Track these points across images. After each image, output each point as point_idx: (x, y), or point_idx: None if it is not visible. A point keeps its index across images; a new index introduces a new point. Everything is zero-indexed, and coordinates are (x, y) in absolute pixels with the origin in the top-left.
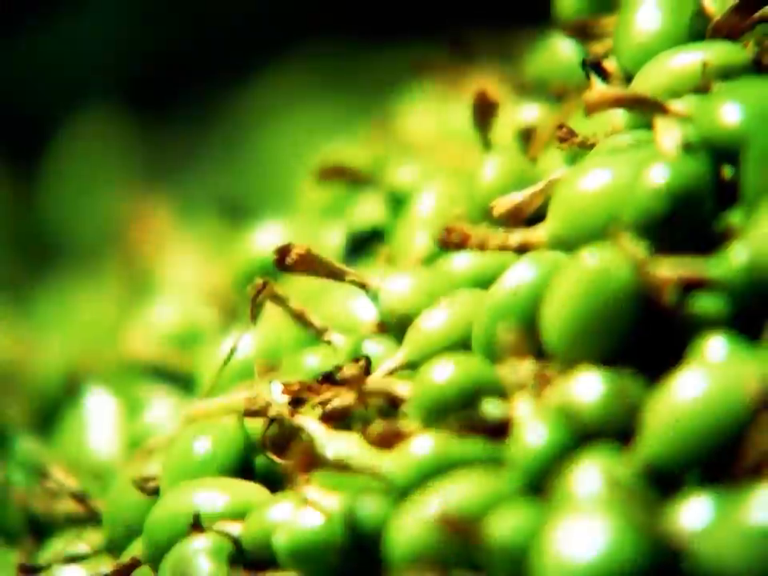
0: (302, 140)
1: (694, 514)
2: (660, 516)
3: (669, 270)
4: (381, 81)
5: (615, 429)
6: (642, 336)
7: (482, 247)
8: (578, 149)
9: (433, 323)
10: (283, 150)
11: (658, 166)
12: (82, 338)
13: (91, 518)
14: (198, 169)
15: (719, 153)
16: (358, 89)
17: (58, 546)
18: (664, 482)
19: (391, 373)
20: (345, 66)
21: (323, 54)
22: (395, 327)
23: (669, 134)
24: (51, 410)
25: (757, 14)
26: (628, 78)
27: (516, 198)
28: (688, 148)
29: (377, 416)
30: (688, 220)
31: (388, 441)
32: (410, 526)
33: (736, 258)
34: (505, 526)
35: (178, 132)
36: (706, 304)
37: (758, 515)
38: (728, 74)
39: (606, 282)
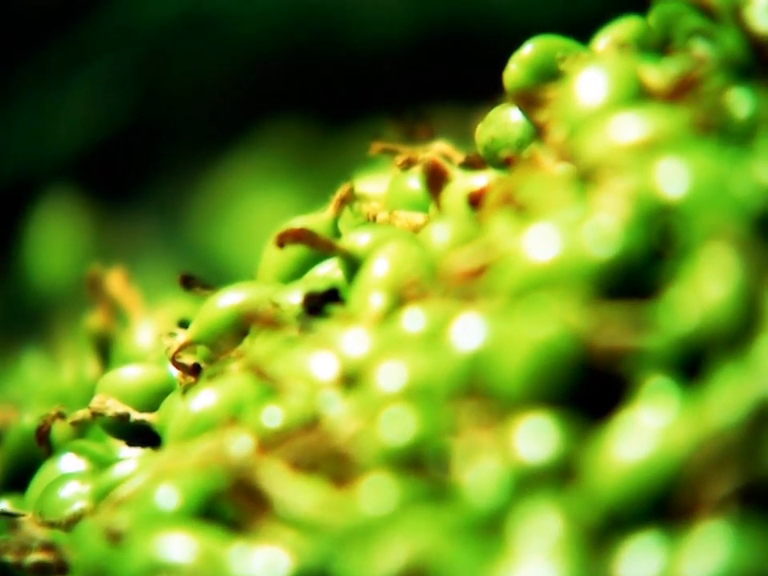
0: (267, 219)
1: (642, 558)
2: (609, 560)
3: (612, 317)
4: (346, 158)
5: (563, 471)
6: (587, 381)
7: (436, 303)
8: (524, 214)
9: (389, 377)
10: (249, 229)
11: (601, 237)
12: (59, 398)
13: (61, 569)
14: (161, 247)
15: (661, 223)
16: (323, 167)
17: None
18: (612, 524)
19: (351, 424)
20: (310, 144)
21: (289, 134)
22: (353, 381)
23: (611, 206)
24: (26, 468)
25: (695, 84)
26: (574, 144)
27: (466, 259)
28: (630, 219)
29: (334, 459)
30: (631, 291)
31: (342, 482)
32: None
33: (677, 305)
34: (453, 569)
35: (143, 210)
36: (650, 348)
37: (702, 561)
38: (669, 141)
39: (551, 351)
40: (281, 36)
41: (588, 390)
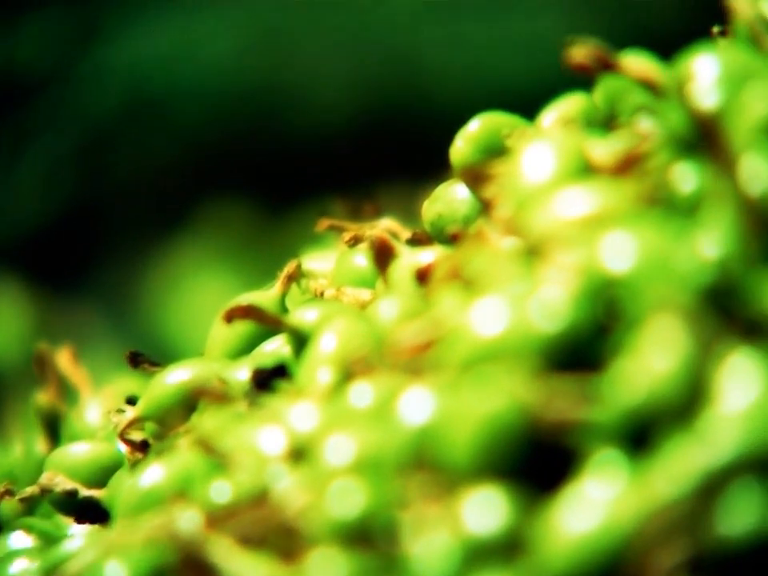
0: (213, 299)
1: None
2: None
3: (558, 390)
4: (292, 236)
5: (512, 543)
6: (534, 454)
7: (384, 377)
8: (473, 288)
9: (336, 451)
10: (196, 309)
11: (548, 311)
12: (7, 475)
13: None
14: (108, 328)
15: (608, 297)
16: (269, 245)
17: None
18: None
19: (299, 498)
20: (256, 223)
21: (235, 214)
22: (301, 456)
23: (557, 280)
24: None
25: (640, 160)
26: (521, 222)
27: (414, 335)
28: (577, 293)
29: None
30: (577, 364)
31: (291, 556)
32: None
33: (623, 378)
34: None
35: (90, 292)
36: (595, 421)
37: None
38: (614, 217)
39: (497, 424)
40: (224, 118)
41: (536, 462)
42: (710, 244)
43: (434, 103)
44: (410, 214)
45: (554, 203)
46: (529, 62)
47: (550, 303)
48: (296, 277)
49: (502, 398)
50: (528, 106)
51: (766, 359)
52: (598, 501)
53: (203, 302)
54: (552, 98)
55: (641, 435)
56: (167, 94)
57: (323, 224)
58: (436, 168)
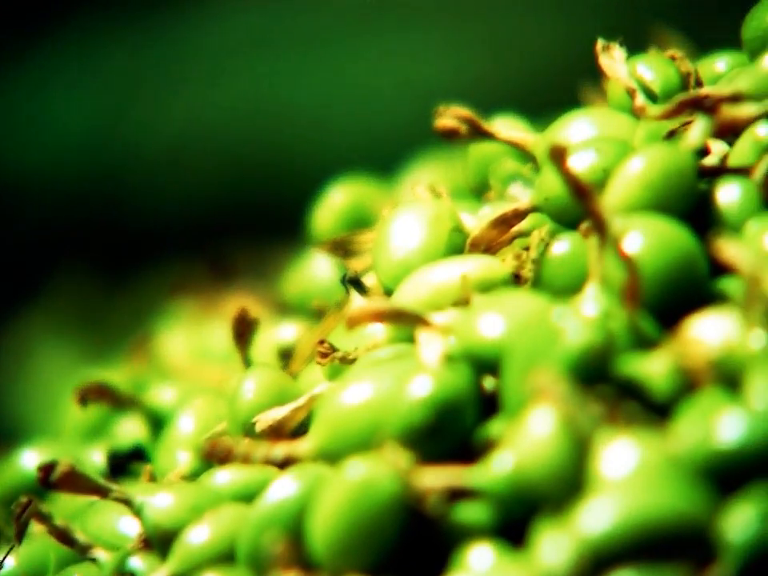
0: (61, 374)
1: None
2: None
3: (433, 479)
4: (141, 302)
5: None
6: (407, 546)
7: (245, 460)
8: (340, 364)
9: (197, 538)
10: (45, 381)
11: (420, 378)
12: None
13: None
14: None
15: (480, 364)
16: (118, 313)
17: None
18: None
19: None
20: (105, 295)
21: (80, 287)
22: (160, 543)
23: (430, 347)
24: None
25: (513, 229)
26: (388, 294)
27: (278, 413)
28: (450, 360)
29: None
30: (451, 430)
31: None
32: None
33: (498, 466)
34: None
35: None
36: (471, 513)
37: None
38: (487, 286)
39: (371, 493)
40: (73, 192)
41: (410, 554)
42: (583, 326)
43: (290, 164)
44: (265, 278)
45: (423, 273)
46: (390, 117)
47: (420, 371)
48: (147, 351)
49: (371, 470)
50: (387, 171)
51: (640, 443)
52: None
53: (52, 376)
54: (412, 160)
55: (516, 523)
56: (17, 171)
57: (175, 292)
58: (293, 231)
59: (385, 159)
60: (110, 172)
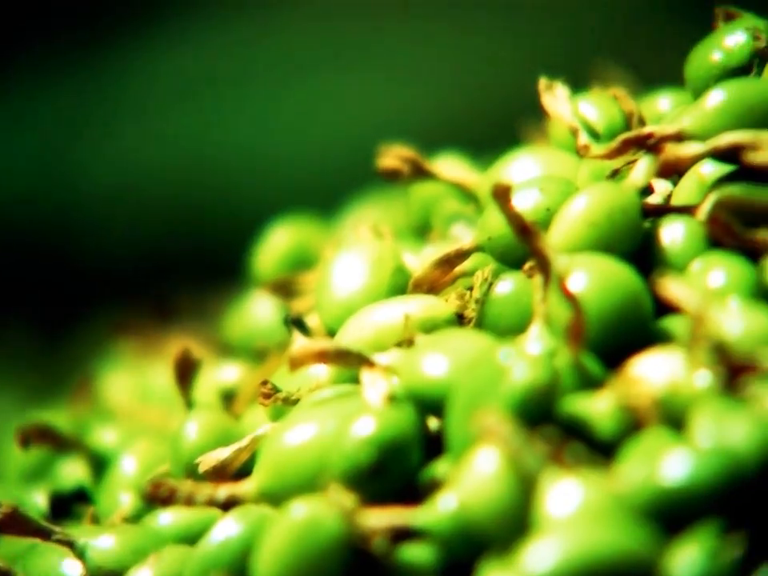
0: (3, 412)
1: None
2: None
3: (377, 520)
4: (83, 344)
5: None
6: None
7: (189, 502)
8: (283, 405)
9: None
10: None
11: (364, 418)
12: None
13: None
14: None
15: (424, 404)
16: (60, 354)
17: None
18: None
19: None
20: (46, 332)
21: (22, 330)
22: None
23: (374, 387)
24: None
25: (457, 269)
26: (331, 334)
27: (221, 454)
28: (393, 400)
29: None
30: (395, 470)
31: None
32: None
33: (443, 507)
34: None
35: None
36: (415, 554)
37: None
38: (431, 326)
39: (315, 533)
40: (8, 232)
41: None
42: (525, 363)
43: (231, 205)
44: (207, 320)
45: (367, 313)
46: (332, 157)
47: (363, 410)
48: (89, 393)
49: (314, 511)
50: (333, 202)
51: (585, 483)
52: None
53: None
54: (351, 200)
55: (462, 567)
56: None
57: (116, 334)
58: (235, 272)
59: (327, 199)
60: (51, 214)
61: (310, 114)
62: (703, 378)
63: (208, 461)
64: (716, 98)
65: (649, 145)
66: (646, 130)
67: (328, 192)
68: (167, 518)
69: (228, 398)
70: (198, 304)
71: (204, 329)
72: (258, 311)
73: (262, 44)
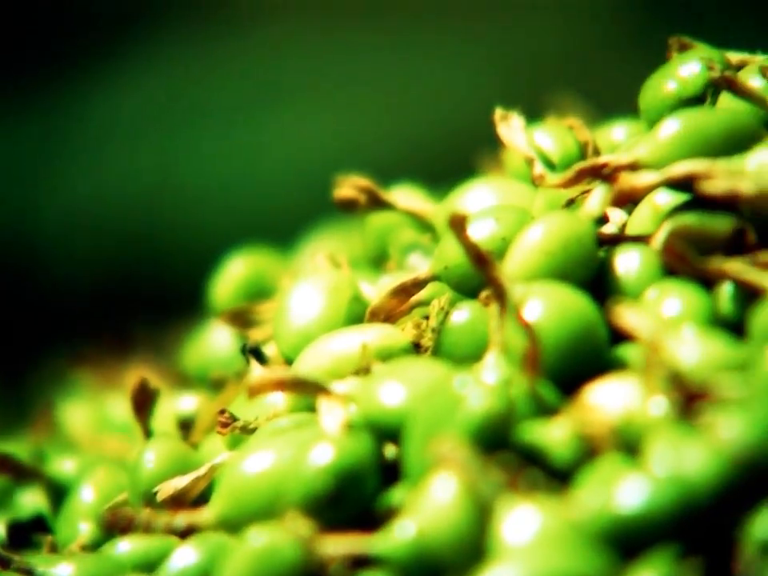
0: None
1: None
2: None
3: (335, 547)
4: (42, 375)
5: None
6: None
7: (147, 530)
8: (240, 433)
9: None
10: None
11: (322, 446)
12: None
13: None
14: None
15: (382, 432)
16: (20, 388)
17: None
18: None
19: None
20: (6, 366)
21: None
22: None
23: (331, 415)
24: None
25: (413, 298)
26: (288, 363)
27: (179, 482)
28: (351, 428)
29: None
30: (352, 498)
31: None
32: None
33: (400, 533)
34: None
35: None
36: None
37: None
38: (387, 355)
39: (273, 561)
40: None
41: None
42: (482, 393)
43: (188, 237)
44: (165, 350)
45: (324, 342)
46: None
47: (321, 438)
48: (48, 423)
49: (277, 533)
50: (290, 233)
51: (542, 509)
52: None
53: None
54: (306, 232)
55: None
56: None
57: (76, 363)
58: (193, 302)
59: (285, 230)
60: (10, 247)
61: (267, 145)
62: (658, 405)
63: (166, 489)
64: (670, 127)
65: (604, 174)
66: (601, 159)
67: (286, 223)
68: (126, 547)
69: (186, 427)
70: (157, 335)
71: (163, 359)
72: (215, 341)
73: (220, 78)
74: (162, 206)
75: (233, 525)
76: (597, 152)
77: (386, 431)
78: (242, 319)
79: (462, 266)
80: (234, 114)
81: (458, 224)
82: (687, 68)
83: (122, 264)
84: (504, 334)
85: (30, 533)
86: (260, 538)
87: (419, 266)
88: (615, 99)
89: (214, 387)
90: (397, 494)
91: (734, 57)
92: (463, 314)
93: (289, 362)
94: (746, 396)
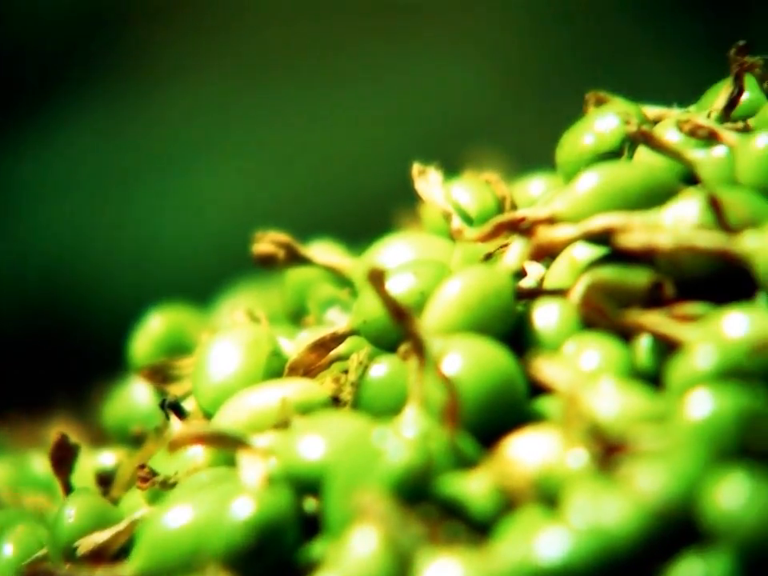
0: None
1: None
2: None
3: None
4: None
5: None
6: None
7: None
8: (160, 488)
9: None
10: None
11: (241, 500)
12: None
13: None
14: None
15: (302, 486)
16: None
17: None
18: None
19: None
20: None
21: None
22: None
23: (251, 469)
24: None
25: (332, 353)
26: (208, 418)
27: (99, 537)
28: (271, 482)
29: None
30: (273, 552)
31: None
32: None
33: None
34: None
35: None
36: None
37: None
38: (307, 409)
39: None
40: None
41: None
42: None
43: (106, 295)
44: (84, 407)
45: (243, 396)
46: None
47: (242, 491)
48: None
49: None
50: (208, 288)
51: (462, 562)
52: None
53: None
54: (235, 280)
55: None
56: None
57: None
58: (111, 360)
59: (204, 286)
60: None
61: (184, 203)
62: (577, 457)
63: (86, 544)
64: (588, 181)
65: (522, 228)
66: (519, 213)
67: (205, 280)
68: None
69: (106, 483)
70: (77, 392)
71: (83, 416)
72: (135, 397)
73: (132, 137)
74: (82, 265)
75: None
76: (514, 206)
77: (306, 484)
78: (161, 375)
79: (380, 320)
80: (152, 172)
81: (376, 278)
82: (604, 122)
83: (42, 323)
84: (423, 387)
85: None
86: None
87: (338, 320)
88: (533, 153)
89: (134, 442)
90: (317, 547)
91: (651, 111)
92: (382, 368)
93: (208, 416)
94: (665, 447)
